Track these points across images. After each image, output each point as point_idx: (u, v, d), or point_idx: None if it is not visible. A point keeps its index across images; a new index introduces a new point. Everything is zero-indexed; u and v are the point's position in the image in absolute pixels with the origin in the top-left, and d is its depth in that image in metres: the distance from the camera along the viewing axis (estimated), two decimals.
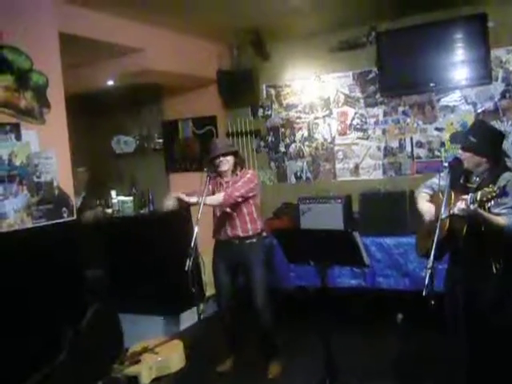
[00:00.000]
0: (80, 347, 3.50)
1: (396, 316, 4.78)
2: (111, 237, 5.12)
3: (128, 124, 6.48)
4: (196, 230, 3.56)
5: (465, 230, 2.86)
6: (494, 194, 2.57)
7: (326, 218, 4.89)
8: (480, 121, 4.47)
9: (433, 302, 2.53)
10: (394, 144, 5.40)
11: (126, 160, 6.45)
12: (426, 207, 3.20)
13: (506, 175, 2.88)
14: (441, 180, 3.20)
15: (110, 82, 5.46)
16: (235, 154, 3.99)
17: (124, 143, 6.46)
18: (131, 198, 5.66)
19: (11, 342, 3.22)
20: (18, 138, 3.45)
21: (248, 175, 3.95)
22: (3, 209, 3.31)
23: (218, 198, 3.82)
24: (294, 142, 5.91)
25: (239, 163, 4.01)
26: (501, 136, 3.12)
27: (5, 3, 3.39)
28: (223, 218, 3.96)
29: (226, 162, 3.90)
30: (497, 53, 4.80)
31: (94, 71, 5.15)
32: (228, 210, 3.90)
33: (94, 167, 6.11)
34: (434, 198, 3.24)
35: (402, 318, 4.75)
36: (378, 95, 5.40)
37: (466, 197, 2.73)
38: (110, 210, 5.70)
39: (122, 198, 5.69)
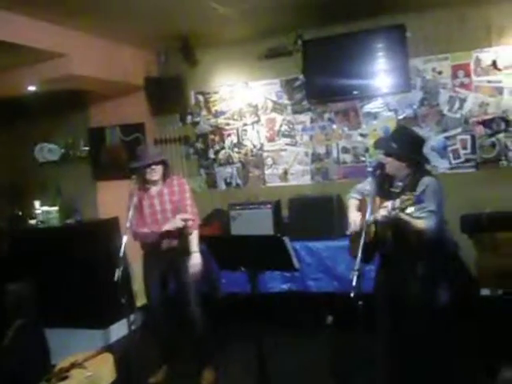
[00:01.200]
0: (3, 366, 3.34)
1: (326, 318, 4.89)
2: (36, 248, 4.93)
3: (52, 131, 6.26)
4: (125, 239, 3.50)
5: (390, 234, 2.98)
6: (411, 202, 2.74)
7: (256, 223, 4.93)
8: (401, 127, 4.65)
9: (361, 303, 2.61)
10: (321, 150, 5.53)
11: (51, 169, 6.22)
12: (352, 217, 3.30)
13: (425, 180, 3.02)
14: (368, 185, 3.32)
15: (33, 88, 5.25)
16: (164, 162, 3.95)
17: (48, 151, 6.23)
18: (56, 208, 5.48)
19: None
20: None
21: (185, 186, 3.99)
22: None
23: (195, 232, 3.92)
24: (224, 148, 5.93)
25: (167, 171, 3.97)
26: (421, 141, 3.24)
27: None
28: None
29: (157, 172, 3.86)
30: (415, 62, 5.04)
31: (15, 76, 4.94)
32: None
33: (15, 176, 5.88)
34: (362, 203, 3.35)
35: (332, 320, 4.86)
36: (304, 102, 5.52)
37: (387, 204, 2.88)
38: (33, 221, 5.49)
39: (46, 208, 5.50)
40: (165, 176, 3.94)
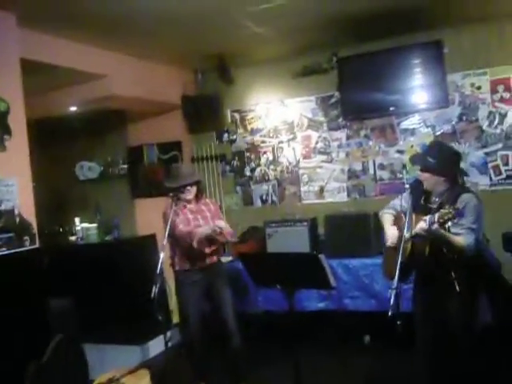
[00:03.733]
0: (43, 380, 3.39)
1: (363, 337, 4.80)
2: (76, 265, 5.03)
3: (92, 150, 6.41)
4: (162, 256, 3.52)
5: (427, 251, 2.92)
6: (451, 215, 2.68)
7: (292, 241, 4.91)
8: (437, 142, 4.60)
9: (399, 322, 2.56)
10: (358, 166, 5.49)
11: (90, 186, 6.36)
12: (389, 231, 3.25)
13: (465, 197, 2.96)
14: (403, 201, 3.27)
15: (74, 108, 5.41)
16: (198, 182, 4.07)
17: (88, 169, 6.38)
18: (95, 225, 5.59)
19: None
20: None
21: (218, 208, 4.26)
22: None
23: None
24: (260, 165, 5.95)
25: (200, 190, 4.13)
26: (457, 155, 3.20)
27: None
28: (190, 248, 3.91)
29: (191, 191, 3.98)
30: (453, 78, 4.97)
31: (56, 97, 5.09)
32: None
33: (56, 194, 6.02)
34: (397, 219, 3.30)
35: (370, 340, 4.78)
36: (340, 119, 5.51)
37: (425, 218, 2.82)
38: (73, 238, 5.61)
39: (85, 225, 5.61)
40: (198, 194, 4.07)
